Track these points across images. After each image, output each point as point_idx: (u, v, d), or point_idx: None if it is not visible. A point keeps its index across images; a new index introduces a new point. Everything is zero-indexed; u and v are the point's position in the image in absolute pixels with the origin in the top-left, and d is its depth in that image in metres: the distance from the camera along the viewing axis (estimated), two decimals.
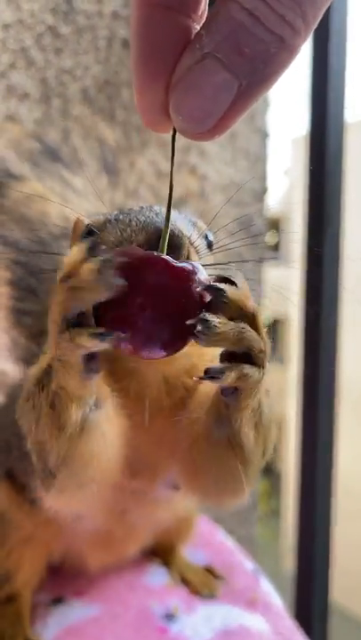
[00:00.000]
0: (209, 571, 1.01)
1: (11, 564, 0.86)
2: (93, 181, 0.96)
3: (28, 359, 0.99)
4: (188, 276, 0.48)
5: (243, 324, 0.50)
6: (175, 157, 1.89)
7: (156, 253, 0.50)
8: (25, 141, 0.96)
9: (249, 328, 0.50)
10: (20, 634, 0.82)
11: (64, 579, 0.92)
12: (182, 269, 0.48)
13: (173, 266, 0.48)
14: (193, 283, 0.48)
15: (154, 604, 0.89)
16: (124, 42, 1.65)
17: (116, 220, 0.59)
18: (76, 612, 0.86)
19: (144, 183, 1.75)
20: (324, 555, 1.49)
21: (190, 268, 0.48)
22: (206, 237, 0.64)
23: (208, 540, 1.12)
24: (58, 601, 0.88)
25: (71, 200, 0.93)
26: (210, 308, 0.48)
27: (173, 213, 0.56)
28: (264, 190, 2.00)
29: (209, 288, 0.48)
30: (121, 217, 0.58)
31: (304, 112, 1.58)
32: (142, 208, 0.61)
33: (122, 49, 1.65)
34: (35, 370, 0.58)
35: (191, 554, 1.05)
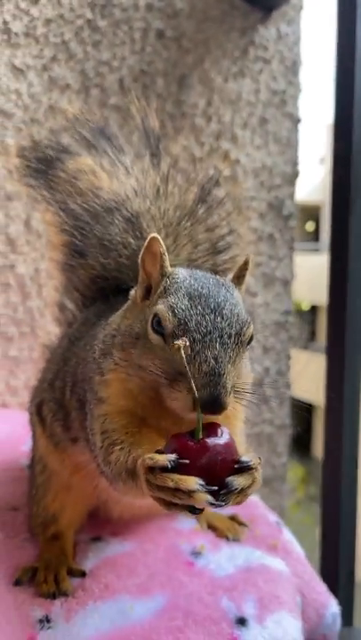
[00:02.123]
0: (234, 519, 1.09)
1: (55, 508, 0.96)
2: (137, 161, 1.04)
3: (71, 323, 1.09)
4: (224, 451, 0.65)
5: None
6: (207, 143, 1.96)
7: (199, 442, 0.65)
8: (78, 121, 1.05)
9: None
10: (64, 564, 0.92)
11: (102, 522, 1.01)
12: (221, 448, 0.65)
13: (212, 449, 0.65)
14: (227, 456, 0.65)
15: (182, 542, 0.98)
16: (159, 33, 1.73)
17: (184, 336, 0.67)
18: (111, 548, 0.96)
19: (178, 168, 1.83)
20: (349, 527, 1.54)
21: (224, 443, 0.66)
22: (250, 340, 0.72)
23: None
24: (96, 539, 0.98)
25: (119, 176, 1.02)
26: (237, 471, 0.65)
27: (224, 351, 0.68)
28: (295, 174, 2.04)
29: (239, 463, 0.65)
30: (188, 341, 0.66)
31: (331, 98, 1.62)
32: (208, 327, 0.68)
33: (156, 40, 1.73)
34: (123, 460, 0.71)
35: None
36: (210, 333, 0.68)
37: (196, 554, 0.95)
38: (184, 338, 0.66)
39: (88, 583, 0.86)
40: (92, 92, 1.67)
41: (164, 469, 0.62)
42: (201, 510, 0.64)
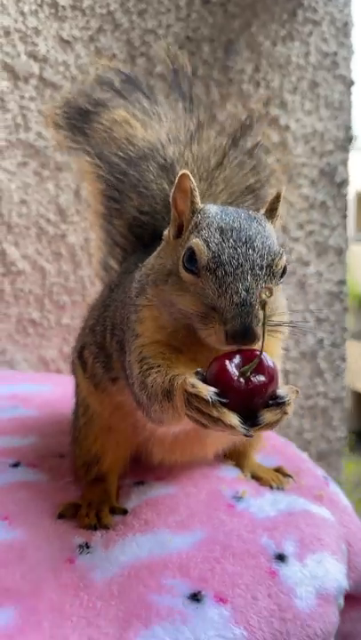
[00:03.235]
0: (279, 470, 1.07)
1: (97, 449, 0.98)
2: (170, 108, 1.05)
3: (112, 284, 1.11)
4: (266, 388, 0.65)
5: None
6: (254, 109, 1.93)
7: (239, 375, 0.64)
8: (111, 73, 1.07)
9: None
10: (107, 503, 0.93)
11: (145, 468, 1.03)
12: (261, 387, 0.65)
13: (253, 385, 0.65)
14: (267, 392, 0.65)
15: (224, 488, 0.97)
16: None
17: (214, 273, 0.67)
18: (154, 491, 0.96)
19: (225, 135, 1.82)
20: None
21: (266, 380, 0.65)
22: (283, 272, 0.71)
23: (281, 450, 1.18)
24: (140, 483, 0.99)
25: (152, 125, 1.03)
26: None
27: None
28: (349, 139, 1.98)
29: (275, 398, 0.65)
30: (219, 273, 0.67)
31: None
32: (239, 259, 0.68)
33: (202, 6, 1.72)
34: (160, 381, 0.72)
35: (264, 460, 1.12)
36: (241, 266, 0.68)
37: (238, 498, 0.94)
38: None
39: (129, 519, 0.87)
40: (138, 61, 1.69)
41: (205, 401, 0.63)
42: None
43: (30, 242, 1.64)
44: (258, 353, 0.66)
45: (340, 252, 2.01)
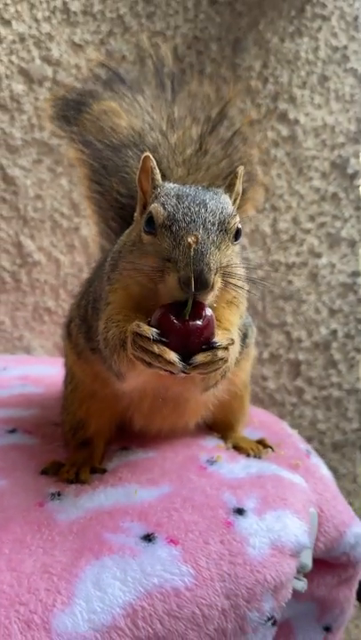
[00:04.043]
0: (261, 442, 1.11)
1: (82, 414, 1.05)
2: (153, 98, 1.13)
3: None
4: (201, 331, 0.72)
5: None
6: (264, 105, 1.97)
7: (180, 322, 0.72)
8: (99, 68, 1.16)
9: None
10: (89, 464, 1.00)
11: (132, 436, 1.09)
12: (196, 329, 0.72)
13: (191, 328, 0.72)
14: (202, 335, 0.72)
15: (201, 454, 1.01)
16: None
17: (169, 229, 0.74)
18: (135, 455, 1.02)
19: (237, 137, 1.87)
20: None
21: (201, 325, 0.72)
22: (236, 234, 0.79)
23: (268, 426, 1.21)
24: (124, 449, 1.06)
25: (137, 114, 1.11)
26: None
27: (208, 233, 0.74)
28: (360, 131, 2.00)
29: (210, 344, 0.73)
30: (173, 228, 0.74)
31: None
32: (192, 216, 0.75)
33: (209, 6, 1.79)
34: (117, 333, 0.79)
35: (250, 434, 1.16)
36: (194, 222, 0.74)
37: (212, 462, 0.99)
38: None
39: (105, 476, 0.93)
40: (148, 62, 1.76)
41: (148, 339, 0.70)
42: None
43: (45, 234, 1.74)
44: (204, 307, 0.73)
45: (353, 244, 2.03)
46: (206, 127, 1.10)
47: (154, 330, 0.71)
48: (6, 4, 1.62)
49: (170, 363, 0.70)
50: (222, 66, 1.83)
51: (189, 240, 0.71)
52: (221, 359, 0.72)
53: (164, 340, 0.71)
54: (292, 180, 1.96)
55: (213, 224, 0.75)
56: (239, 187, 0.86)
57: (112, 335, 0.79)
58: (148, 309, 0.79)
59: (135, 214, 0.90)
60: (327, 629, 0.99)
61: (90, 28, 1.70)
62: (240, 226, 0.80)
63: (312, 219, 1.97)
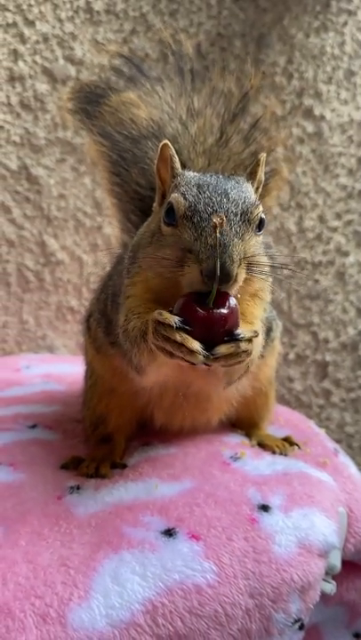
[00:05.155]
0: (287, 440, 1.07)
1: (102, 410, 1.02)
2: (173, 89, 1.11)
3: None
4: (225, 320, 0.69)
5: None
6: (289, 101, 1.95)
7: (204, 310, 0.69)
8: (118, 60, 1.15)
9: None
10: (109, 459, 0.98)
11: (154, 432, 1.06)
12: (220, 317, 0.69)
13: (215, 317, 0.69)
14: (226, 323, 0.69)
15: (225, 450, 0.98)
16: None
17: (190, 220, 0.72)
18: (156, 451, 0.99)
19: (258, 127, 1.84)
20: None
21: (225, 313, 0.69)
22: (260, 224, 0.75)
23: (295, 424, 1.17)
24: (145, 444, 1.03)
25: (156, 105, 1.09)
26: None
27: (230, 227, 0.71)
28: None
29: (234, 335, 0.70)
30: (195, 219, 0.71)
31: None
32: (214, 207, 0.72)
33: (232, 2, 1.77)
34: (138, 325, 0.77)
35: (276, 432, 1.12)
36: (216, 212, 0.72)
37: (236, 458, 0.96)
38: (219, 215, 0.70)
39: (126, 471, 0.91)
40: (170, 59, 1.75)
41: (170, 327, 0.68)
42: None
43: (69, 234, 1.74)
44: (228, 296, 0.70)
45: None
46: (227, 116, 1.07)
47: (176, 317, 0.68)
48: (30, 5, 1.63)
49: (192, 352, 0.66)
50: (246, 62, 1.81)
51: (215, 220, 0.68)
52: (245, 352, 0.69)
53: (187, 327, 0.68)
54: (318, 178, 1.92)
55: (236, 214, 0.73)
56: (261, 174, 0.83)
57: (133, 327, 0.77)
58: (168, 302, 0.77)
59: (154, 205, 0.88)
60: (357, 636, 0.94)
61: (113, 26, 1.69)
62: (263, 215, 0.77)
63: (339, 216, 1.93)
